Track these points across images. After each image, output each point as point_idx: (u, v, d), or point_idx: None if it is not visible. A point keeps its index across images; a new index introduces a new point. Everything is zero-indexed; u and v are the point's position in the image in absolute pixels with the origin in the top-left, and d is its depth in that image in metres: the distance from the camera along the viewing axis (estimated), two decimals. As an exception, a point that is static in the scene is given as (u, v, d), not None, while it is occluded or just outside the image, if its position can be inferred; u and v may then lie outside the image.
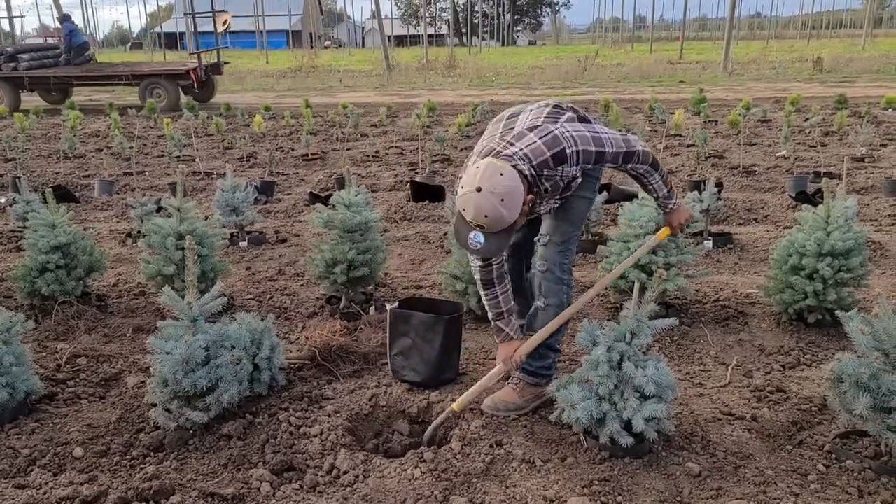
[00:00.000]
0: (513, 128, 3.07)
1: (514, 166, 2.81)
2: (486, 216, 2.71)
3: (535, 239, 3.33)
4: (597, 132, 2.98)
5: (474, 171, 2.77)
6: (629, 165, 3.09)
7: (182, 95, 18.18)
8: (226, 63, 21.84)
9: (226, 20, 23.16)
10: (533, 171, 2.87)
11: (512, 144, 2.92)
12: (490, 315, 3.27)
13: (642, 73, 25.88)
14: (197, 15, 21.43)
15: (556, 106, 3.15)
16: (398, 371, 3.61)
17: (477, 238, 2.78)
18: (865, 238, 4.12)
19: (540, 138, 2.91)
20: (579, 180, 3.10)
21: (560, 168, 2.91)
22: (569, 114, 3.12)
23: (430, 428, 3.15)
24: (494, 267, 3.17)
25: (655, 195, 3.32)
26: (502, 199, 2.69)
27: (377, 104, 17.77)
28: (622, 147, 3.02)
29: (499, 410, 3.27)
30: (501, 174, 2.72)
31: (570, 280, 3.31)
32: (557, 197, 3.13)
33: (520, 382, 3.34)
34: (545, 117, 3.06)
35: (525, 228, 3.39)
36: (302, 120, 13.91)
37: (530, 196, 2.87)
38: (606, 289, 4.67)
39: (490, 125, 3.28)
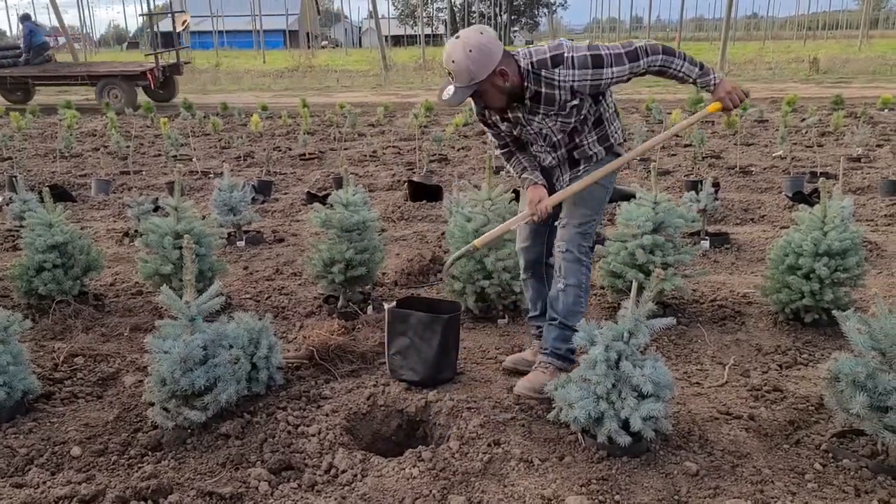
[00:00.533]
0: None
1: (513, 56, 3.12)
2: (452, 61, 3.03)
3: (555, 224, 3.47)
4: (597, 49, 3.11)
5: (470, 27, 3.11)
6: (640, 64, 3.14)
7: (145, 95, 18.21)
8: (186, 63, 21.83)
9: (185, 20, 23.13)
10: (531, 67, 3.11)
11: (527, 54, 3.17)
12: (516, 175, 3.52)
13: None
14: (154, 14, 21.45)
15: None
16: (396, 370, 3.61)
17: (448, 88, 3.10)
18: (862, 238, 4.14)
19: (547, 46, 3.16)
20: (575, 103, 3.18)
21: (557, 70, 3.08)
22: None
23: (450, 259, 3.49)
24: (509, 149, 3.51)
25: (690, 79, 3.25)
26: (470, 51, 2.99)
27: (374, 104, 17.76)
28: (619, 49, 3.12)
29: (533, 391, 3.36)
30: (482, 33, 3.06)
31: (588, 262, 3.43)
32: (557, 119, 3.25)
33: (549, 366, 3.45)
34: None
35: (541, 226, 3.53)
36: (299, 119, 13.90)
37: (506, 73, 3.07)
38: (604, 288, 4.69)
39: None
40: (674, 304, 4.56)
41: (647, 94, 17.87)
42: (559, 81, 3.10)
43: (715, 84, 3.28)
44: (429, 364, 3.53)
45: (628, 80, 3.21)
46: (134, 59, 25.07)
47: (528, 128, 3.34)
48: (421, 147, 10.49)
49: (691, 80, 3.26)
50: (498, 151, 3.58)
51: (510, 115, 3.32)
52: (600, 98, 3.31)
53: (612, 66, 3.10)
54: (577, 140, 3.38)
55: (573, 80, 3.10)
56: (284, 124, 14.07)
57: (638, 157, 3.39)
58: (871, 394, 2.68)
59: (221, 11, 50.80)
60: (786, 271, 4.16)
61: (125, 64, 21.75)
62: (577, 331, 3.37)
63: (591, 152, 3.41)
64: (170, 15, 21.36)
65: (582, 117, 3.30)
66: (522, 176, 3.47)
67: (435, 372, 3.54)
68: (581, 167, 3.43)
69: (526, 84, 3.15)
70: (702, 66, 3.24)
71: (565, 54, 3.08)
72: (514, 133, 3.42)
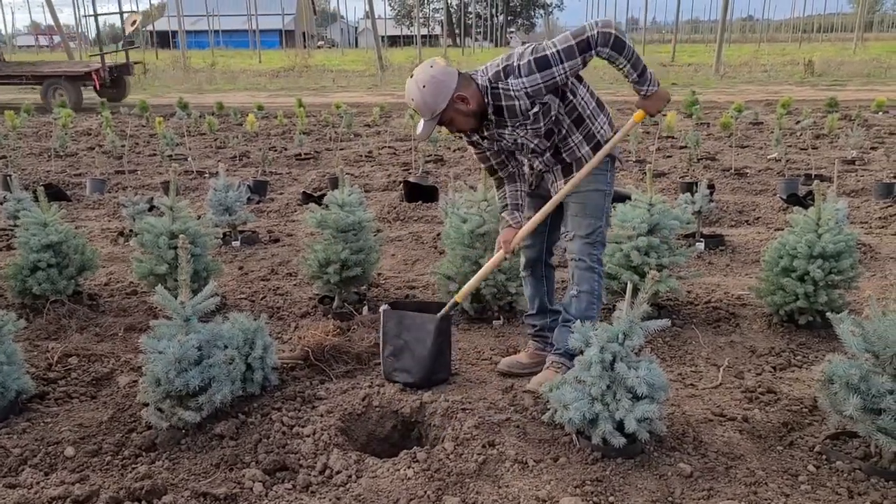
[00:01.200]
0: None
1: (470, 76, 3.22)
2: (412, 99, 3.19)
3: (561, 234, 3.60)
4: (540, 45, 3.16)
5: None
6: (591, 53, 3.10)
7: (95, 94, 18.22)
8: (137, 63, 21.79)
9: (134, 21, 23.10)
10: (488, 83, 3.18)
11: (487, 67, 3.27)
12: (500, 208, 3.72)
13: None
14: (100, 15, 21.57)
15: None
16: (390, 372, 3.61)
17: (419, 123, 3.24)
18: (856, 240, 4.15)
19: (502, 58, 3.24)
20: (536, 110, 3.21)
21: (509, 81, 3.14)
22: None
23: (443, 311, 3.55)
24: (498, 175, 3.61)
25: (628, 79, 3.26)
26: (423, 86, 3.12)
27: (370, 104, 17.76)
28: (570, 41, 3.08)
29: None
30: (431, 66, 3.18)
31: (600, 269, 3.54)
32: (526, 127, 3.29)
33: (562, 366, 3.54)
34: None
35: (541, 225, 3.59)
36: (295, 119, 13.89)
37: (465, 98, 3.15)
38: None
39: None
40: (668, 306, 4.57)
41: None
42: (514, 91, 3.15)
43: (646, 94, 3.30)
44: (423, 365, 3.53)
45: (584, 66, 3.21)
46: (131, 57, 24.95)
47: (503, 142, 3.40)
48: (417, 148, 10.49)
49: (629, 81, 3.27)
50: (487, 174, 3.72)
51: (486, 132, 3.37)
52: (568, 95, 3.29)
53: (562, 63, 3.09)
54: (560, 142, 3.40)
55: (525, 87, 3.13)
56: (280, 124, 14.06)
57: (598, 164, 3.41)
58: (865, 396, 2.69)
59: (217, 11, 50.76)
60: (780, 273, 4.17)
61: (71, 64, 21.67)
62: None
63: (579, 154, 3.41)
64: (162, 14, 21.33)
65: (553, 118, 3.31)
66: (502, 214, 3.66)
67: (429, 373, 3.54)
68: (573, 172, 3.44)
69: (487, 101, 3.21)
70: (643, 72, 3.23)
71: (514, 63, 3.13)
72: (495, 148, 3.47)
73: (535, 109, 3.21)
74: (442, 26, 59.86)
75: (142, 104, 15.78)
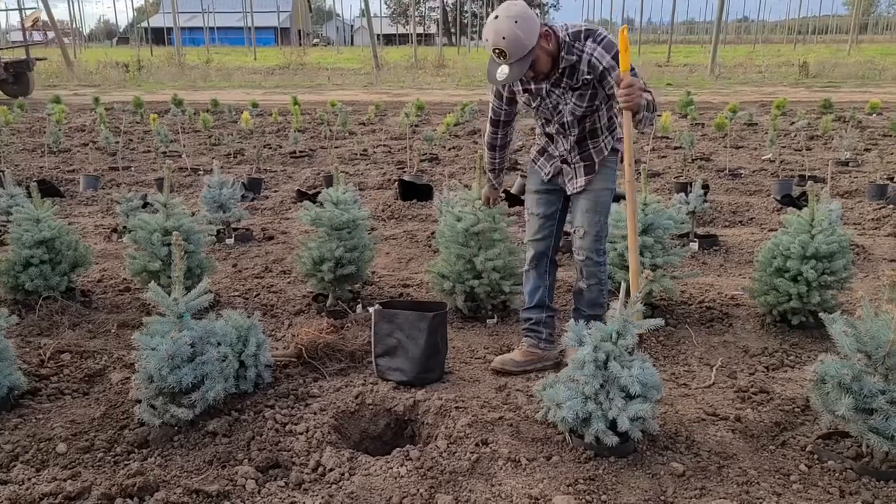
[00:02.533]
0: None
1: (549, 26, 3.27)
2: (503, 38, 3.09)
3: (570, 231, 3.80)
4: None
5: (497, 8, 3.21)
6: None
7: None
8: (41, 59, 21.65)
9: (36, 18, 23.04)
10: (567, 38, 3.29)
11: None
12: (487, 167, 4.01)
13: (630, 75, 25.97)
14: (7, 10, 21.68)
15: None
16: (384, 372, 3.60)
17: (502, 72, 3.18)
18: (849, 241, 4.17)
19: (584, 23, 3.41)
20: (588, 77, 3.33)
21: (587, 42, 3.28)
22: None
23: None
24: (499, 137, 3.81)
25: (637, 125, 3.36)
26: (516, 21, 3.09)
27: (366, 102, 17.75)
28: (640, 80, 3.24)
29: None
30: (515, 4, 3.16)
31: (605, 261, 3.77)
32: (572, 95, 3.43)
33: None
34: None
35: (551, 221, 3.81)
36: (290, 117, 13.87)
37: (549, 35, 3.24)
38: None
39: None
40: (662, 306, 4.58)
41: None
42: (584, 53, 3.29)
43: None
44: (416, 363, 3.53)
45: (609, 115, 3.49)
46: (126, 54, 24.75)
47: (548, 100, 3.51)
48: (412, 146, 10.48)
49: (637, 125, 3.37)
50: (488, 129, 3.84)
51: (533, 86, 3.47)
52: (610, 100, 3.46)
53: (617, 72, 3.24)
54: (590, 135, 3.59)
55: (592, 54, 3.29)
56: (275, 122, 14.04)
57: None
58: (857, 396, 2.70)
59: (213, 7, 50.63)
60: (773, 274, 4.18)
61: None
62: (602, 317, 3.65)
63: (605, 154, 3.62)
64: (157, 11, 21.26)
65: (595, 107, 3.47)
66: (488, 174, 4.01)
67: (423, 371, 3.54)
68: (595, 170, 3.63)
69: (562, 55, 3.31)
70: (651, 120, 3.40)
71: (599, 31, 3.31)
72: (533, 105, 3.56)
73: (589, 77, 3.34)
74: (438, 25, 59.81)
75: (136, 101, 15.72)
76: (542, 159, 3.77)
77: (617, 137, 3.65)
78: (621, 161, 3.57)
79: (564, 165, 3.68)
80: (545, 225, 3.80)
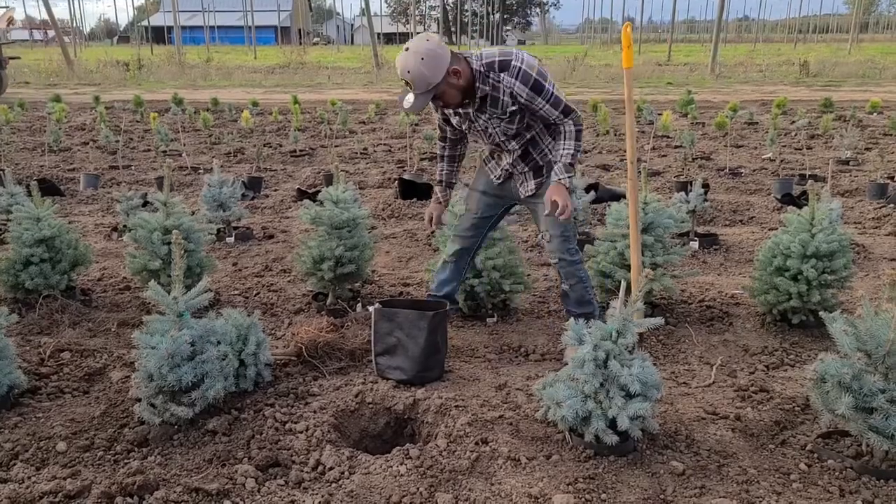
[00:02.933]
0: None
1: (465, 58, 3.33)
2: (408, 71, 3.22)
3: (538, 238, 3.77)
4: (545, 74, 3.35)
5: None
6: (564, 121, 3.45)
7: None
8: (14, 59, 21.60)
9: (10, 18, 23.00)
10: (481, 69, 3.33)
11: (480, 55, 3.38)
12: (436, 179, 3.99)
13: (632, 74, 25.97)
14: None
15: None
16: (383, 370, 3.60)
17: (408, 99, 3.29)
18: (849, 240, 4.16)
19: (498, 50, 3.37)
20: (514, 109, 3.41)
21: (502, 75, 3.31)
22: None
23: None
24: (447, 146, 3.87)
25: (556, 158, 3.53)
26: (422, 59, 3.19)
27: (366, 101, 17.75)
28: (561, 97, 3.39)
29: None
30: (427, 40, 3.26)
31: (579, 258, 3.83)
32: (501, 122, 3.52)
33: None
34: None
35: (483, 220, 3.91)
36: (290, 116, 13.87)
37: (459, 72, 3.29)
38: (593, 288, 4.69)
39: None
40: (662, 305, 4.58)
41: (639, 95, 17.93)
42: (502, 86, 3.34)
43: (558, 181, 3.49)
44: (416, 362, 3.53)
45: (545, 124, 3.51)
46: (126, 53, 24.67)
47: (476, 124, 3.59)
48: (412, 145, 10.48)
49: (556, 161, 3.52)
50: (439, 143, 3.94)
51: (461, 110, 3.54)
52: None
53: (547, 103, 3.38)
54: (531, 145, 3.63)
55: (513, 89, 3.34)
56: (275, 120, 14.03)
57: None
58: (857, 395, 2.70)
59: (213, 6, 50.62)
60: (774, 273, 4.18)
61: None
62: (593, 312, 3.85)
63: (550, 157, 3.65)
64: (157, 9, 21.22)
65: (527, 125, 3.56)
66: (435, 187, 3.96)
67: (422, 370, 3.54)
68: (544, 175, 3.68)
69: (477, 84, 3.37)
70: (567, 165, 3.49)
71: (513, 62, 3.31)
72: (463, 128, 3.65)
73: (514, 108, 3.41)
74: (438, 24, 59.81)
75: (136, 99, 15.72)
76: (492, 162, 3.84)
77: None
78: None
79: (514, 171, 3.75)
80: (478, 225, 3.92)
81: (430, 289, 4.13)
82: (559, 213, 3.44)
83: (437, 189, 3.97)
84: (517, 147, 3.64)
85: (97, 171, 9.30)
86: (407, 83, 3.27)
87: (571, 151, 3.48)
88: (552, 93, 3.37)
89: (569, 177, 3.50)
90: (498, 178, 3.80)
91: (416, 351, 3.53)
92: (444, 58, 3.25)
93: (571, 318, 3.64)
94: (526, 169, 3.70)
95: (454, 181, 3.96)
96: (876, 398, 2.66)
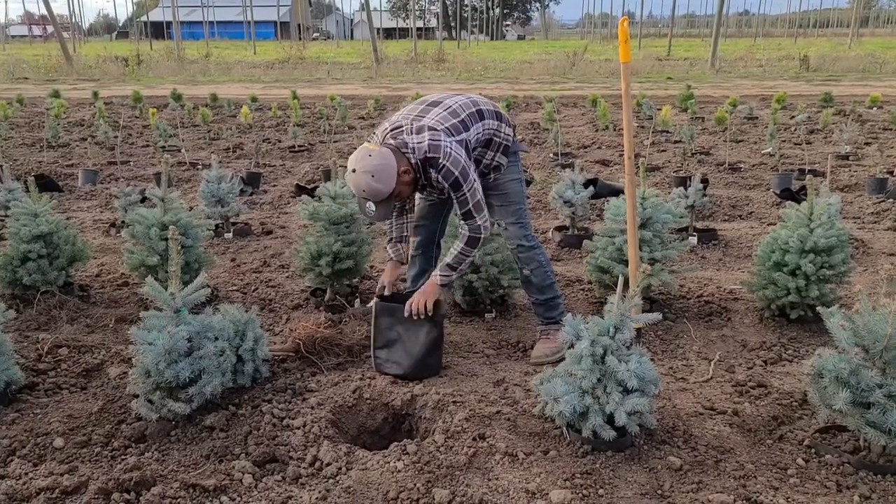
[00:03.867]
0: (424, 116, 3.50)
1: (401, 151, 3.37)
2: (363, 190, 3.31)
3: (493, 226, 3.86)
4: (468, 171, 3.39)
5: (353, 155, 3.35)
6: (463, 222, 3.51)
7: None
8: None
9: None
10: (419, 163, 3.39)
11: (412, 133, 3.41)
12: (387, 238, 3.95)
13: (631, 69, 25.95)
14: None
15: (474, 111, 3.60)
16: (381, 364, 3.60)
17: (370, 207, 3.38)
18: (848, 235, 4.16)
19: (430, 140, 3.36)
20: (446, 190, 3.46)
21: (432, 171, 3.38)
22: (477, 125, 3.58)
23: None
24: (394, 213, 3.85)
25: (442, 259, 3.68)
26: (372, 176, 3.27)
27: (365, 97, 17.72)
28: (476, 200, 3.45)
29: (546, 357, 3.78)
30: (370, 155, 3.29)
31: (537, 242, 3.88)
32: (438, 194, 3.70)
33: (549, 333, 3.89)
34: (449, 125, 3.47)
35: (439, 205, 3.95)
36: (289, 111, 13.85)
37: (407, 169, 3.37)
38: (591, 283, 4.69)
39: (414, 103, 3.73)
40: (661, 300, 4.57)
41: (638, 90, 17.91)
42: (435, 180, 3.42)
43: (438, 282, 3.60)
44: (415, 357, 3.53)
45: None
46: (125, 48, 24.70)
47: (423, 193, 3.79)
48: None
49: (443, 262, 3.62)
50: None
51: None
52: (472, 140, 3.56)
53: (457, 200, 3.44)
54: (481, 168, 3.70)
55: (439, 180, 3.40)
56: (274, 116, 14.01)
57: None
58: (854, 390, 2.69)
59: (212, 2, 50.53)
60: (772, 268, 4.17)
61: None
62: (556, 296, 3.96)
63: (495, 163, 3.72)
64: (156, 5, 21.22)
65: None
66: (386, 246, 3.91)
67: (420, 365, 3.54)
68: (491, 176, 3.76)
69: (417, 175, 3.45)
70: (449, 272, 3.59)
71: (440, 161, 3.34)
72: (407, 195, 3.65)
73: (447, 190, 3.48)
74: (438, 19, 59.67)
75: (135, 95, 15.70)
76: (406, 213, 3.92)
77: (503, 147, 3.71)
78: (516, 154, 3.80)
79: None
80: (433, 212, 3.96)
81: (406, 286, 4.10)
82: (413, 312, 3.56)
83: (389, 249, 3.87)
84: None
85: (96, 167, 9.29)
86: (364, 198, 3.35)
87: (457, 254, 3.55)
88: (466, 194, 3.42)
89: (446, 276, 3.59)
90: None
91: (416, 347, 3.53)
92: (392, 165, 3.30)
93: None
94: None
95: (406, 234, 3.91)
96: (873, 393, 2.66)
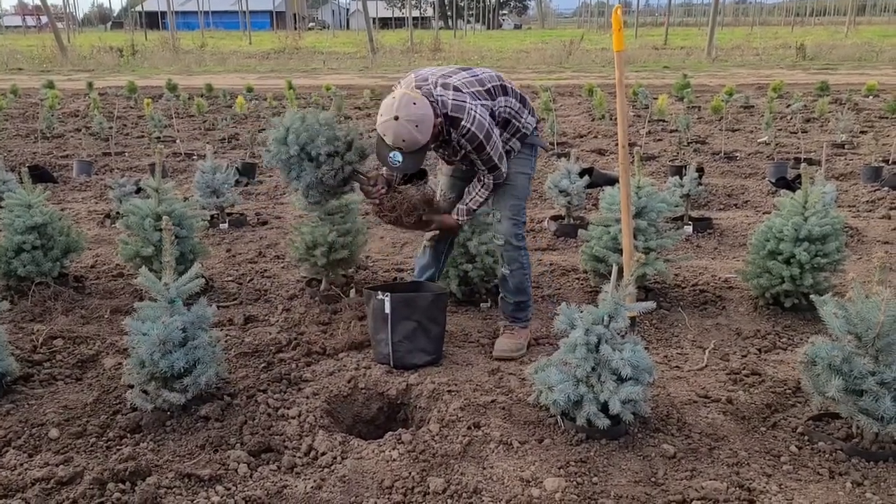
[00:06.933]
0: (451, 76, 3.51)
1: (432, 101, 3.32)
2: (403, 140, 3.24)
3: (489, 216, 3.90)
4: (492, 134, 3.44)
5: (391, 101, 3.26)
6: (486, 173, 3.59)
7: None
8: None
9: None
10: (444, 118, 3.37)
11: (437, 86, 3.42)
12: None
13: (627, 58, 25.89)
14: None
15: (498, 85, 3.63)
16: (403, 356, 3.54)
17: (396, 157, 3.30)
18: (842, 224, 4.16)
19: (454, 100, 3.37)
20: (465, 152, 3.52)
21: (454, 132, 3.39)
22: (500, 98, 3.60)
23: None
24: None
25: (462, 201, 3.73)
26: (416, 126, 3.21)
27: (361, 86, 17.66)
28: (499, 154, 3.53)
29: (510, 352, 3.75)
30: (415, 103, 3.22)
31: (523, 245, 3.86)
32: (453, 155, 3.66)
33: (514, 329, 3.89)
34: (475, 90, 3.51)
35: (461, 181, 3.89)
36: (285, 101, 13.79)
37: (439, 120, 3.35)
38: (586, 272, 4.70)
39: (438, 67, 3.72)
40: (656, 289, 4.58)
41: (635, 79, 17.88)
42: (456, 141, 3.44)
43: (453, 213, 3.75)
44: (438, 341, 3.62)
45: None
46: (120, 38, 24.55)
47: (439, 151, 3.77)
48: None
49: (462, 201, 3.74)
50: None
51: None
52: (496, 111, 3.59)
53: (480, 159, 3.50)
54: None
55: (463, 138, 3.42)
56: (270, 106, 13.96)
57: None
58: (847, 377, 2.70)
59: (207, -9, 50.23)
60: (766, 256, 4.18)
61: None
62: (528, 300, 3.96)
63: (507, 147, 3.70)
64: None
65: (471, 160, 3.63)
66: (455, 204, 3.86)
67: (440, 350, 3.63)
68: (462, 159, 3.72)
69: (441, 130, 3.42)
70: (470, 210, 3.73)
71: (463, 122, 3.36)
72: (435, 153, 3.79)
73: (462, 152, 3.55)
74: (434, 8, 59.46)
75: (130, 85, 15.63)
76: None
77: (519, 129, 3.71)
78: (534, 149, 3.83)
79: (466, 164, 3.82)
80: (456, 185, 3.93)
81: (413, 275, 4.13)
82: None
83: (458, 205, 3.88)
84: (465, 163, 3.75)
85: (90, 158, 9.25)
86: (397, 147, 3.27)
87: (480, 200, 3.67)
88: (490, 153, 3.46)
89: (466, 219, 3.74)
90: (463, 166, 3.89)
91: (438, 331, 3.62)
92: (431, 116, 3.27)
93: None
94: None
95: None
96: (866, 380, 2.67)
